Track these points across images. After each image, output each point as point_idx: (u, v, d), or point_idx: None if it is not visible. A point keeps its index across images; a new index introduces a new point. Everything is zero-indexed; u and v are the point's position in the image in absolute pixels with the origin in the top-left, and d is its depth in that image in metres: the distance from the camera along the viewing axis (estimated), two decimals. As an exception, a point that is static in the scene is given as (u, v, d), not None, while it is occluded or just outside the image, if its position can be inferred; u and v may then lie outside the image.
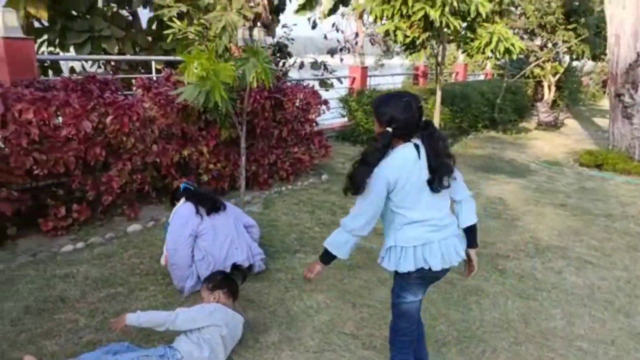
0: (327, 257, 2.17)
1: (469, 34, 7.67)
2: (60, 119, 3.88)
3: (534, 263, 4.09)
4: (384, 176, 2.01)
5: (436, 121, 8.10)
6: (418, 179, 2.04)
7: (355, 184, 2.02)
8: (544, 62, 13.35)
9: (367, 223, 2.08)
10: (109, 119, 4.11)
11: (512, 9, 12.58)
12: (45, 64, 8.08)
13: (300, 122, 6.13)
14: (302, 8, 11.80)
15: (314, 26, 14.14)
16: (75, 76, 6.71)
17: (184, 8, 4.31)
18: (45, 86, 4.31)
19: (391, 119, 2.02)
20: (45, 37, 8.01)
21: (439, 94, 8.04)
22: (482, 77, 15.83)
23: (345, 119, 9.30)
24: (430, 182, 2.04)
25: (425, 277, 2.12)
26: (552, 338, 3.00)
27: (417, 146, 2.06)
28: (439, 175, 2.04)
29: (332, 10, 12.85)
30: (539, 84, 14.78)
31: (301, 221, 4.68)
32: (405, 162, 2.04)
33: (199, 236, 3.23)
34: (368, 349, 2.78)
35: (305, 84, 6.48)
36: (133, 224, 4.29)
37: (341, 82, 10.99)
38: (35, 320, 2.76)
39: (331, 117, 9.28)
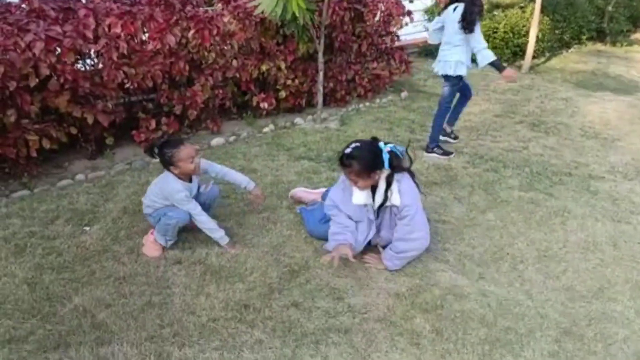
0: None
1: None
2: (147, 34, 4.02)
3: (632, 186, 3.76)
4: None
5: (533, 32, 7.33)
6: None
7: None
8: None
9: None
10: (190, 34, 4.18)
11: None
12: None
13: (380, 36, 5.85)
14: None
15: None
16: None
17: None
18: (131, 1, 4.43)
19: None
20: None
21: (538, 0, 7.19)
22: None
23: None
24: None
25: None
26: (644, 262, 2.80)
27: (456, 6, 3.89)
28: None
29: None
30: (663, -13, 12.66)
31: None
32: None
33: None
34: (441, 262, 2.78)
35: (387, -7, 6.08)
36: (216, 138, 4.49)
37: (428, -8, 10.17)
38: (132, 219, 3.06)
39: (415, 32, 8.73)
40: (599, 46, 9.83)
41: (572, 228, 3.16)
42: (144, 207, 2.84)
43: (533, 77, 7.23)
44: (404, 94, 6.13)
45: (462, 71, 3.98)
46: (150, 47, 3.91)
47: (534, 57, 7.70)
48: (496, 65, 3.93)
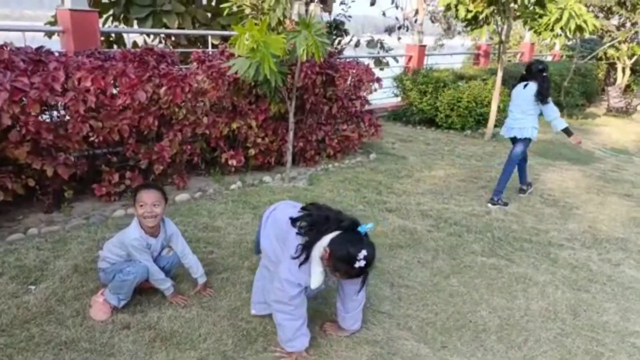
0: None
1: (537, 10, 7.17)
2: (117, 88, 4.02)
3: (589, 254, 3.84)
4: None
5: (495, 103, 7.72)
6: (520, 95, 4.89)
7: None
8: (619, 42, 12.34)
9: None
10: (162, 90, 4.21)
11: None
12: (111, 39, 8.42)
13: (350, 100, 6.04)
14: (361, -16, 11.49)
15: (372, 3, 13.73)
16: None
17: (241, -17, 4.31)
18: (105, 57, 4.48)
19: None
20: (111, 12, 8.31)
21: (499, 74, 7.62)
22: (549, 59, 14.90)
23: (399, 98, 9.07)
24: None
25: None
26: (603, 332, 2.80)
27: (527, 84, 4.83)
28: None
29: (392, -14, 12.44)
30: (612, 66, 13.71)
31: (345, 199, 4.64)
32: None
33: None
34: (403, 329, 2.71)
35: (358, 61, 6.35)
36: (181, 194, 4.42)
37: (397, 61, 10.70)
38: (82, 278, 2.91)
39: (384, 97, 9.09)
40: (557, 117, 10.38)
41: (533, 295, 3.17)
42: (99, 260, 2.72)
43: (495, 144, 7.52)
44: (372, 156, 6.25)
45: (535, 135, 4.84)
46: (119, 101, 3.90)
47: (495, 126, 8.03)
48: (567, 132, 4.86)
